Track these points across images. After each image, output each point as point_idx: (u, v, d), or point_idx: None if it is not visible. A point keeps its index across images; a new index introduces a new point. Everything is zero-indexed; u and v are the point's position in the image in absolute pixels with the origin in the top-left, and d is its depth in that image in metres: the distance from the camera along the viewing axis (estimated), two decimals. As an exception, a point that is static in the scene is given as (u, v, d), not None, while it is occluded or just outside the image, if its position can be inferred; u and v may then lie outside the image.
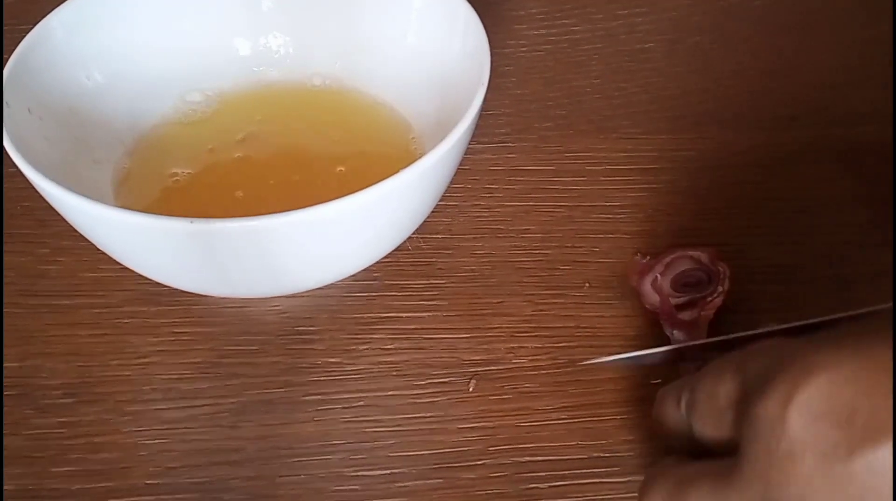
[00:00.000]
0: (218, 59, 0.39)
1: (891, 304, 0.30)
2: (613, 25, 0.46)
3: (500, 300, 0.34)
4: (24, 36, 0.33)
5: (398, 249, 0.33)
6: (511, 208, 0.37)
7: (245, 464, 0.30)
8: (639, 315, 0.33)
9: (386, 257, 0.32)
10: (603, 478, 0.29)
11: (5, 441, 0.30)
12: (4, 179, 0.37)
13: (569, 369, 0.32)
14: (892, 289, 0.33)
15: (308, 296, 0.34)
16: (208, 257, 0.28)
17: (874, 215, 0.37)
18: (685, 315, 0.32)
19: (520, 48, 0.45)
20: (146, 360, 0.32)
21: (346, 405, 0.31)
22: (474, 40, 0.33)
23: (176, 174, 0.35)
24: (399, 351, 0.33)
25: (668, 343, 0.32)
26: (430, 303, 0.34)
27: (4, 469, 0.29)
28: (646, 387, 0.31)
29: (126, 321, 0.33)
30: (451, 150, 0.29)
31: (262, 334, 0.33)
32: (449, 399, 0.31)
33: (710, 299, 0.32)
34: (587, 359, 0.32)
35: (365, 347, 0.33)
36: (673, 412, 0.26)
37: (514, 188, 0.38)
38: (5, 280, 0.34)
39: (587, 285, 0.35)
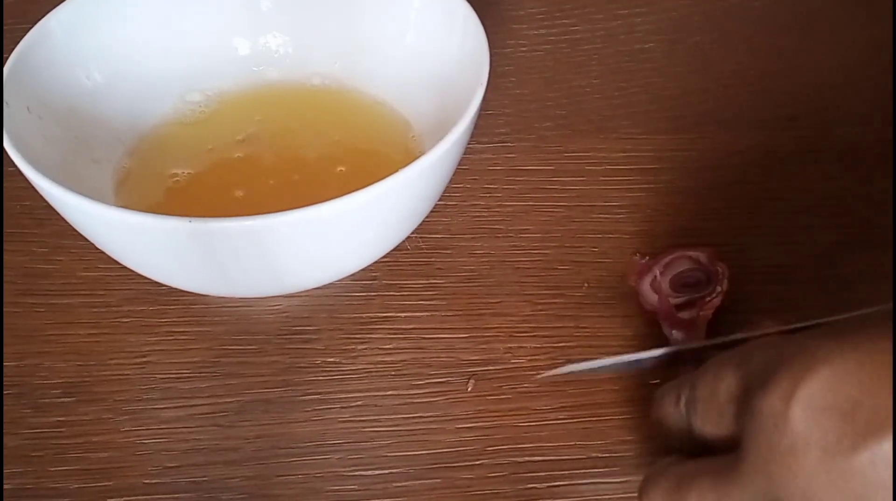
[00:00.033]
0: (218, 59, 0.39)
1: (891, 305, 0.30)
2: (613, 25, 0.46)
3: (498, 300, 0.34)
4: (24, 35, 0.33)
5: (397, 248, 0.33)
6: (510, 207, 0.37)
7: (243, 464, 0.30)
8: (637, 315, 0.33)
9: (385, 256, 0.32)
10: (601, 478, 0.29)
11: (4, 440, 0.30)
12: (4, 179, 0.37)
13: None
14: (892, 289, 0.33)
15: (307, 296, 0.34)
16: (207, 256, 0.28)
17: (874, 215, 0.37)
18: (684, 315, 0.32)
19: (519, 48, 0.45)
20: (145, 359, 0.32)
21: (345, 405, 0.31)
22: (473, 40, 0.33)
23: (176, 174, 0.35)
24: (397, 351, 0.33)
25: (667, 344, 0.32)
26: (428, 303, 0.34)
27: (3, 469, 0.29)
28: (644, 387, 0.31)
29: (125, 320, 0.33)
30: (451, 149, 0.29)
31: (261, 333, 0.33)
32: (447, 399, 0.31)
33: (708, 299, 0.32)
34: (555, 368, 0.31)
35: (363, 347, 0.33)
36: (672, 410, 0.26)
37: (513, 188, 0.38)
38: (4, 279, 0.35)
39: (586, 285, 0.35)
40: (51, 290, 0.34)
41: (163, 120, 0.37)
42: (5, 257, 0.35)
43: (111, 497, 0.29)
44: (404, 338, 0.33)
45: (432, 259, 0.35)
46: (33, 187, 0.28)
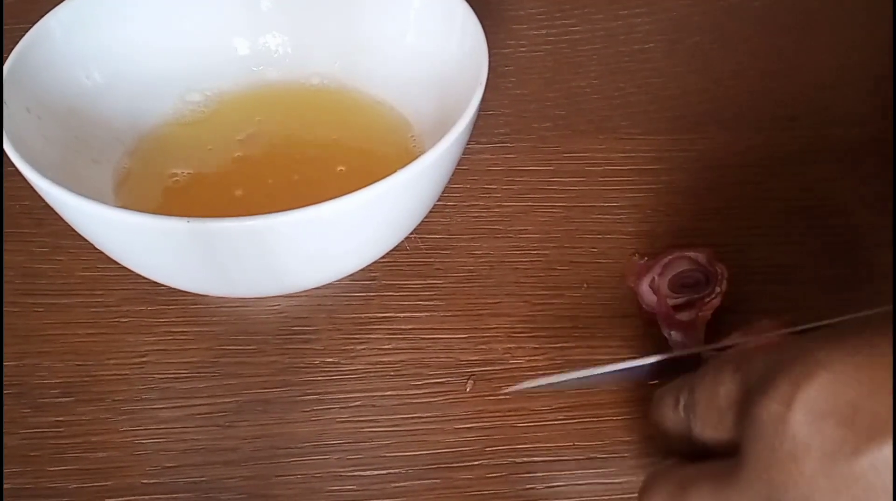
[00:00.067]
0: (217, 59, 0.39)
1: (890, 307, 0.30)
2: (613, 26, 0.46)
3: (497, 301, 0.34)
4: (24, 35, 0.33)
5: (396, 248, 0.33)
6: (509, 208, 0.37)
7: (242, 464, 0.30)
8: (636, 316, 0.33)
9: (384, 256, 0.32)
10: (600, 479, 0.29)
11: (3, 439, 0.30)
12: (4, 179, 0.37)
13: (566, 369, 0.32)
14: (892, 290, 0.33)
15: (306, 296, 0.34)
16: (207, 256, 0.28)
17: (874, 215, 0.37)
18: (683, 316, 0.32)
19: (519, 48, 0.45)
20: (143, 359, 0.32)
21: (343, 405, 0.31)
22: (472, 40, 0.33)
23: (175, 174, 0.35)
24: (396, 351, 0.33)
25: (667, 344, 0.32)
26: (427, 303, 0.34)
27: (3, 468, 0.29)
28: (643, 387, 0.31)
29: (123, 320, 0.33)
30: (450, 149, 0.29)
31: (260, 333, 0.33)
32: (446, 400, 0.31)
33: (707, 299, 0.32)
34: (518, 383, 0.30)
35: (362, 347, 0.33)
36: (671, 413, 0.26)
37: (512, 188, 0.38)
38: (3, 279, 0.35)
39: (585, 285, 0.35)
40: (50, 290, 0.34)
41: (163, 120, 0.37)
42: (5, 256, 0.35)
43: (109, 497, 0.29)
44: (403, 338, 0.33)
45: (431, 259, 0.35)
46: (32, 187, 0.28)
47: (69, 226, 0.30)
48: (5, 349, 0.32)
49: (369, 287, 0.34)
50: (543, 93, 0.43)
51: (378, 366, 0.32)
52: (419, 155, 0.28)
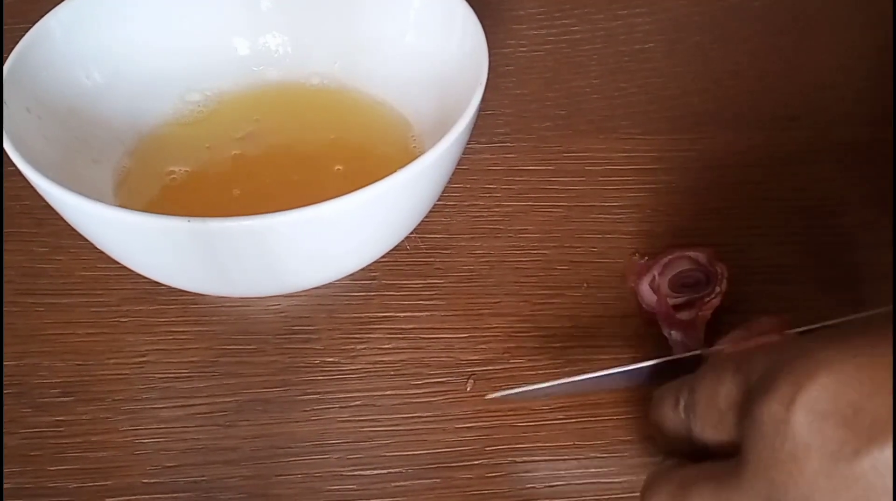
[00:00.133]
0: (217, 59, 0.39)
1: (891, 308, 0.30)
2: (613, 26, 0.46)
3: (497, 300, 0.34)
4: (24, 35, 0.33)
5: (396, 248, 0.33)
6: (509, 207, 0.37)
7: (242, 463, 0.30)
8: (637, 316, 0.33)
9: (384, 256, 0.32)
10: (600, 478, 0.29)
11: (3, 439, 0.30)
12: (4, 179, 0.37)
13: (566, 369, 0.32)
14: (892, 290, 0.33)
15: (306, 295, 0.34)
16: (207, 256, 0.28)
17: (874, 215, 0.37)
18: (683, 316, 0.32)
19: (519, 48, 0.45)
20: (144, 359, 0.32)
21: (344, 405, 0.31)
22: (472, 40, 0.33)
23: (173, 172, 0.35)
24: (396, 351, 0.33)
25: (667, 344, 0.32)
26: (427, 303, 0.34)
27: (3, 468, 0.29)
28: (643, 387, 0.31)
29: (124, 319, 0.33)
30: (450, 149, 0.29)
31: (260, 333, 0.33)
32: (446, 399, 0.31)
33: (708, 299, 0.32)
34: (504, 389, 0.30)
35: (362, 346, 0.33)
36: (671, 413, 0.26)
37: (512, 188, 0.38)
38: (4, 279, 0.35)
39: (585, 285, 0.35)
40: (50, 290, 0.34)
41: (162, 120, 0.37)
42: (5, 256, 0.35)
43: (110, 497, 0.29)
44: (403, 338, 0.33)
45: (431, 259, 0.35)
46: (33, 187, 0.28)
47: (69, 226, 0.30)
48: (6, 349, 0.32)
49: (369, 287, 0.34)
50: (543, 93, 0.43)
51: (378, 366, 0.32)
52: (419, 155, 0.28)
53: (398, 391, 0.31)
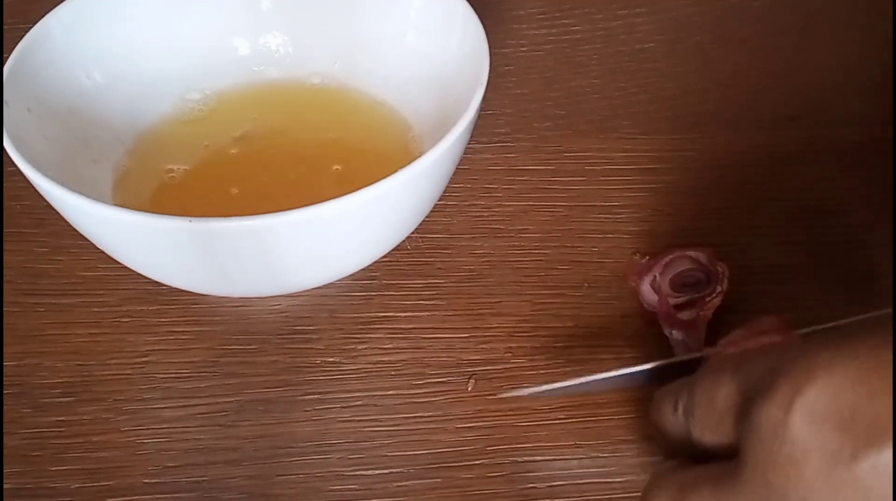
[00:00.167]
0: (217, 59, 0.39)
1: (890, 310, 0.30)
2: (613, 25, 0.46)
3: (498, 300, 0.34)
4: (24, 35, 0.33)
5: (397, 248, 0.33)
6: (510, 207, 0.37)
7: (243, 463, 0.30)
8: (638, 315, 0.33)
9: (385, 256, 0.32)
10: (601, 478, 0.29)
11: (4, 439, 0.30)
12: (4, 178, 0.37)
13: (567, 369, 0.32)
14: (892, 290, 0.33)
15: (307, 295, 0.34)
16: (207, 256, 0.28)
17: (874, 215, 0.37)
18: (684, 315, 0.32)
19: (520, 48, 0.45)
20: (145, 359, 0.32)
21: (345, 405, 0.31)
22: (473, 40, 0.33)
23: (172, 170, 0.35)
24: (397, 351, 0.33)
25: (668, 343, 0.32)
26: (428, 303, 0.34)
27: (3, 468, 0.29)
28: (644, 387, 0.31)
29: (125, 319, 0.33)
30: (450, 149, 0.29)
31: (261, 333, 0.33)
32: (447, 399, 0.31)
33: (708, 299, 0.32)
34: (518, 389, 0.31)
35: (363, 346, 0.33)
36: (671, 416, 0.26)
37: (513, 188, 0.38)
38: (4, 279, 0.35)
39: (586, 285, 0.35)
40: (51, 290, 0.34)
41: (162, 118, 0.37)
42: (5, 256, 0.35)
43: (111, 497, 0.29)
44: (404, 338, 0.33)
45: (432, 259, 0.35)
46: (33, 187, 0.28)
47: (70, 226, 0.30)
48: (6, 349, 0.32)
49: (370, 287, 0.34)
50: (544, 92, 0.43)
51: (379, 366, 0.32)
52: (418, 155, 0.28)
53: (399, 391, 0.31)
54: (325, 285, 0.33)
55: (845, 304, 0.33)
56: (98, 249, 0.31)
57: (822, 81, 0.43)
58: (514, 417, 0.31)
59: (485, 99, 0.30)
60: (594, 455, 0.30)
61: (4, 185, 0.37)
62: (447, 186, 0.32)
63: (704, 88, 0.43)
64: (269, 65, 0.39)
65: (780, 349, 0.23)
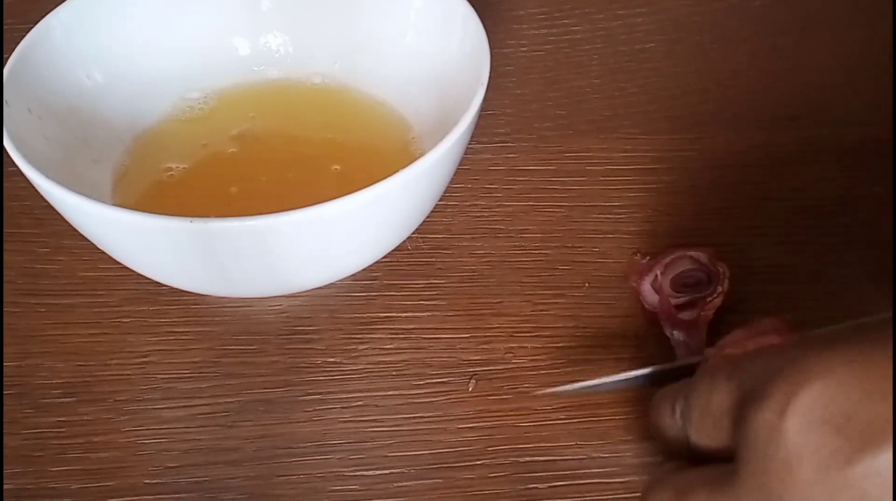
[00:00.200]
0: (218, 59, 0.39)
1: (885, 315, 0.30)
2: (613, 25, 0.46)
3: (499, 300, 0.34)
4: (24, 35, 0.33)
5: (398, 248, 0.33)
6: (510, 207, 0.37)
7: (244, 464, 0.30)
8: (638, 315, 0.33)
9: (385, 256, 0.32)
10: (602, 478, 0.29)
11: (4, 440, 0.30)
12: (4, 178, 0.37)
13: (568, 369, 0.32)
14: (892, 290, 0.33)
15: (307, 296, 0.34)
16: (207, 256, 0.28)
17: (874, 214, 0.37)
18: (685, 315, 0.32)
19: (520, 48, 0.45)
20: (145, 359, 0.32)
21: (345, 405, 0.31)
22: (473, 40, 0.33)
23: (170, 169, 0.35)
24: (398, 351, 0.33)
25: (669, 344, 0.32)
26: (429, 303, 0.34)
27: (4, 469, 0.29)
28: (644, 387, 0.31)
29: (125, 320, 0.33)
30: (451, 149, 0.29)
31: (262, 333, 0.33)
32: (448, 399, 0.31)
33: (709, 299, 0.32)
34: (555, 386, 0.31)
35: (364, 347, 0.33)
36: (668, 418, 0.26)
37: (513, 188, 0.38)
38: (4, 279, 0.34)
39: (587, 285, 0.35)
40: (51, 290, 0.34)
41: (162, 119, 0.37)
42: (5, 256, 0.35)
43: (112, 498, 0.29)
44: (405, 338, 0.33)
45: (433, 259, 0.35)
46: (33, 187, 0.28)
47: (70, 226, 0.30)
48: (7, 350, 0.32)
49: (371, 287, 0.34)
50: (544, 93, 0.43)
51: (380, 366, 0.32)
52: (418, 155, 0.28)
53: (400, 392, 0.31)
54: (325, 286, 0.33)
55: (845, 304, 0.34)
56: (98, 249, 0.31)
57: (822, 81, 0.43)
58: (514, 417, 0.31)
59: (485, 99, 0.30)
60: (595, 455, 0.30)
61: (4, 185, 0.37)
62: (448, 187, 0.32)
63: (704, 88, 0.43)
64: (269, 65, 0.39)
65: (776, 352, 0.23)
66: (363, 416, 0.31)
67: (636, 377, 0.30)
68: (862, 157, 0.39)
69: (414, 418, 0.31)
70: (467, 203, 0.37)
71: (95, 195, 0.27)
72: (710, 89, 0.43)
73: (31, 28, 0.33)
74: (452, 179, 0.32)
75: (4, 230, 0.36)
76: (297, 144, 0.37)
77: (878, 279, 0.34)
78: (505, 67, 0.44)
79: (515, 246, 0.36)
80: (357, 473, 0.29)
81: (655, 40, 0.45)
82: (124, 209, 0.27)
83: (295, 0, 0.39)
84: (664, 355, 0.32)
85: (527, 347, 0.33)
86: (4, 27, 0.41)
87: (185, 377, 0.32)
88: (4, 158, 0.29)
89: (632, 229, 0.36)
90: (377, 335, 0.33)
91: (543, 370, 0.32)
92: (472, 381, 0.32)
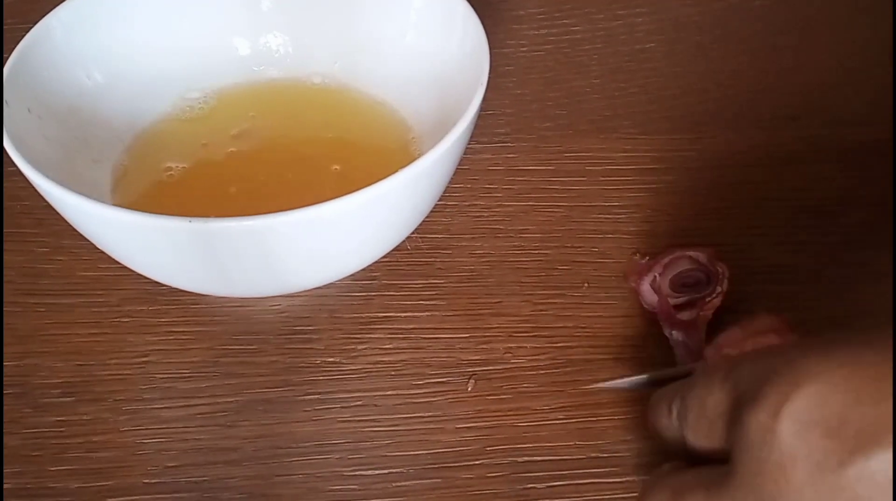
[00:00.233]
0: (218, 59, 0.39)
1: (882, 319, 0.30)
2: (613, 25, 0.46)
3: (498, 300, 0.34)
4: (24, 35, 0.33)
5: (397, 248, 0.33)
6: (510, 207, 0.37)
7: (243, 463, 0.30)
8: (638, 315, 0.33)
9: (385, 256, 0.32)
10: (600, 478, 0.29)
11: (4, 439, 0.30)
12: (4, 178, 0.37)
13: (567, 369, 0.32)
14: (892, 289, 0.33)
15: (307, 295, 0.34)
16: (207, 255, 0.28)
17: (874, 215, 0.37)
18: (684, 315, 0.32)
19: (520, 48, 0.45)
20: (145, 359, 0.32)
21: (345, 405, 0.31)
22: (473, 40, 0.33)
23: (170, 169, 0.35)
24: (397, 351, 0.33)
25: (668, 344, 0.32)
26: (428, 303, 0.34)
27: (3, 468, 0.29)
28: (643, 387, 0.31)
29: (125, 320, 0.33)
30: (450, 149, 0.29)
31: (261, 333, 0.33)
32: (447, 399, 0.31)
33: (708, 299, 0.32)
34: (597, 382, 0.31)
35: (363, 346, 0.33)
36: (665, 420, 0.26)
37: (513, 188, 0.38)
38: (4, 279, 0.35)
39: (586, 285, 0.35)
40: (51, 290, 0.34)
41: (161, 116, 0.37)
42: (5, 256, 0.35)
43: (111, 497, 0.29)
44: (404, 338, 0.33)
45: (432, 259, 0.35)
46: (33, 187, 0.28)
47: (70, 226, 0.30)
48: (7, 349, 0.32)
49: (370, 287, 0.34)
50: (544, 93, 0.43)
51: (379, 366, 0.32)
52: (418, 155, 0.28)
53: (399, 392, 0.31)
54: (325, 286, 0.33)
55: (845, 304, 0.34)
56: (98, 249, 0.31)
57: (822, 81, 0.43)
58: (513, 417, 0.31)
59: (485, 99, 0.30)
60: (594, 455, 0.30)
61: (4, 185, 0.37)
62: (447, 187, 0.32)
63: (704, 88, 0.43)
64: (269, 65, 0.39)
65: (772, 354, 0.23)
66: (362, 416, 0.31)
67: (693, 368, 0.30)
68: (862, 157, 0.39)
69: (413, 418, 0.31)
70: (467, 203, 0.37)
71: (95, 195, 0.27)
72: (710, 89, 0.43)
73: (31, 28, 0.33)
74: (452, 179, 0.32)
75: (4, 230, 0.36)
76: (296, 144, 0.37)
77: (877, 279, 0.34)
78: (505, 66, 0.44)
79: (515, 246, 0.36)
80: (356, 473, 0.29)
81: (655, 40, 0.45)
82: (124, 209, 0.27)
83: (295, 0, 0.39)
84: (663, 355, 0.32)
85: (526, 347, 0.33)
86: (4, 27, 0.41)
87: (184, 377, 0.32)
88: (4, 158, 0.29)
89: (631, 229, 0.36)
90: (376, 335, 0.33)
91: (542, 370, 0.32)
92: (471, 381, 0.32)
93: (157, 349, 0.33)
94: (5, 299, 0.34)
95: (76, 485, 0.29)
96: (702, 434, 0.24)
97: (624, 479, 0.29)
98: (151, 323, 0.33)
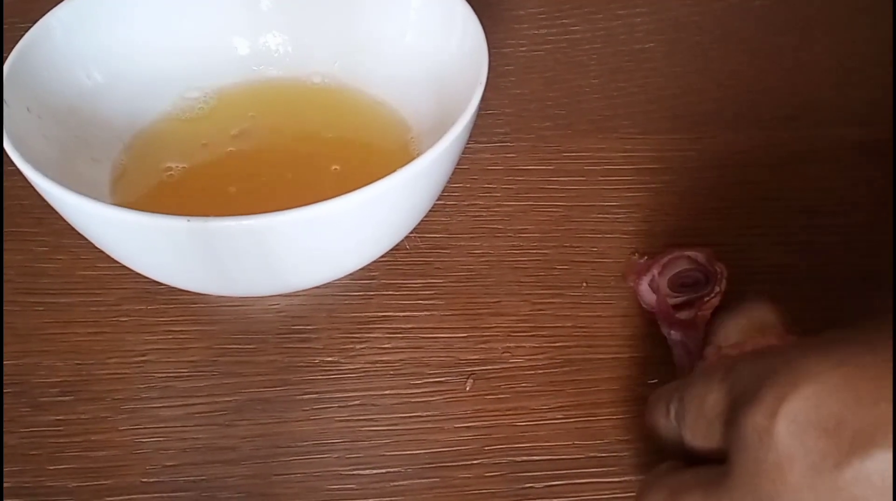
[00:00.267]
0: (217, 59, 0.39)
1: (880, 320, 0.30)
2: (613, 25, 0.46)
3: (497, 300, 0.34)
4: (24, 34, 0.33)
5: (396, 248, 0.33)
6: (509, 207, 0.37)
7: (241, 462, 0.30)
8: (636, 315, 0.33)
9: (383, 255, 0.32)
10: (599, 478, 0.29)
11: (3, 438, 0.30)
12: (4, 178, 0.37)
13: (565, 368, 0.32)
14: (892, 290, 0.33)
15: (305, 295, 0.34)
16: (206, 255, 0.28)
17: (874, 215, 0.37)
18: (682, 315, 0.32)
19: (519, 48, 0.45)
20: (143, 358, 0.32)
21: (343, 404, 0.31)
22: (472, 40, 0.33)
23: (170, 168, 0.35)
24: (396, 350, 0.33)
25: (666, 344, 0.32)
26: (427, 302, 0.34)
27: (2, 467, 0.29)
28: (642, 386, 0.31)
29: (123, 319, 0.33)
30: (449, 149, 0.29)
31: (259, 332, 0.33)
32: (445, 399, 0.31)
33: (707, 299, 0.32)
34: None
35: (362, 346, 0.33)
36: (663, 420, 0.26)
37: (512, 188, 0.38)
38: (4, 278, 0.35)
39: (585, 284, 0.35)
40: (50, 289, 0.34)
41: (161, 117, 0.37)
42: (5, 256, 0.35)
43: (109, 496, 0.29)
44: (403, 337, 0.33)
45: (431, 259, 0.36)
46: (33, 187, 0.28)
47: (69, 225, 0.30)
48: (5, 348, 0.32)
49: (369, 286, 0.34)
50: (543, 92, 0.43)
51: (377, 365, 0.32)
52: (417, 155, 0.28)
53: (397, 391, 0.31)
54: (323, 285, 0.33)
55: (845, 304, 0.33)
56: (97, 248, 0.31)
57: (822, 81, 0.43)
58: (511, 417, 0.31)
59: (484, 99, 0.30)
60: (592, 454, 0.30)
61: (4, 185, 0.37)
62: (446, 186, 0.32)
63: (704, 88, 0.43)
64: (268, 64, 0.39)
65: (770, 354, 0.23)
66: (360, 415, 0.31)
67: None
68: (862, 157, 0.39)
69: (411, 417, 0.31)
70: (466, 203, 0.37)
71: (94, 195, 0.27)
72: (710, 89, 0.43)
73: (31, 27, 0.33)
74: (451, 178, 0.32)
75: (4, 230, 0.36)
76: (296, 144, 0.37)
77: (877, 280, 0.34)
78: (504, 66, 0.44)
79: (514, 246, 0.36)
80: (354, 472, 0.29)
81: (655, 40, 0.45)
82: (123, 209, 0.27)
83: (295, 0, 0.39)
84: (662, 355, 0.32)
85: (524, 346, 0.33)
86: (4, 26, 0.41)
87: (182, 376, 0.32)
88: (4, 158, 0.29)
89: (630, 228, 0.36)
90: (375, 335, 0.33)
91: (541, 369, 0.32)
92: (470, 380, 0.32)
93: (156, 348, 0.33)
94: (5, 299, 0.34)
95: (74, 484, 0.29)
96: (700, 434, 0.24)
97: (622, 479, 0.29)
98: (150, 322, 0.33)
